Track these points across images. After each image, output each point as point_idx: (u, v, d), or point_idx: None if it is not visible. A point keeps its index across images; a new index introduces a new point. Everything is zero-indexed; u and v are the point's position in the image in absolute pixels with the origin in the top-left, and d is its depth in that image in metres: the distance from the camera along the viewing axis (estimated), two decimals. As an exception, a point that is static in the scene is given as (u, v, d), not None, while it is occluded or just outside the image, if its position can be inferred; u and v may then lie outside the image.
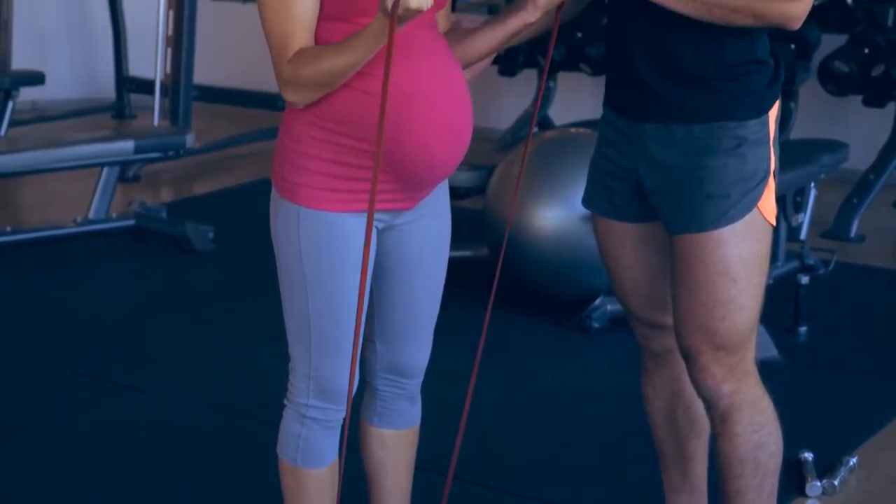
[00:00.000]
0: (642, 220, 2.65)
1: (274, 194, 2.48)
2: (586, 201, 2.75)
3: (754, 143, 2.51)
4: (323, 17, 2.35)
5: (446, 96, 2.40)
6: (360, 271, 2.26)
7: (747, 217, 2.51)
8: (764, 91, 2.53)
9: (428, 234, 2.55)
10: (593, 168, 2.72)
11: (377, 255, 2.51)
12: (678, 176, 2.53)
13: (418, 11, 2.13)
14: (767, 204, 2.55)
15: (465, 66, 2.53)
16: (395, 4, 2.12)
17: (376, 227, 2.46)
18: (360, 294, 2.26)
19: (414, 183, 2.44)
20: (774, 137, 2.58)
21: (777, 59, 2.57)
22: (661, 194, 2.56)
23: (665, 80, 2.49)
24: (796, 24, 2.42)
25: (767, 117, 2.54)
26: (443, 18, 2.53)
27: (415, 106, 2.36)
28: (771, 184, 2.56)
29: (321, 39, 2.36)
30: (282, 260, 2.48)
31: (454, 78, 2.44)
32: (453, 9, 6.40)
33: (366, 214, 2.41)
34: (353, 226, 2.41)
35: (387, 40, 2.16)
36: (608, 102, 2.66)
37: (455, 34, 2.56)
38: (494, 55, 2.62)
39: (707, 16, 2.41)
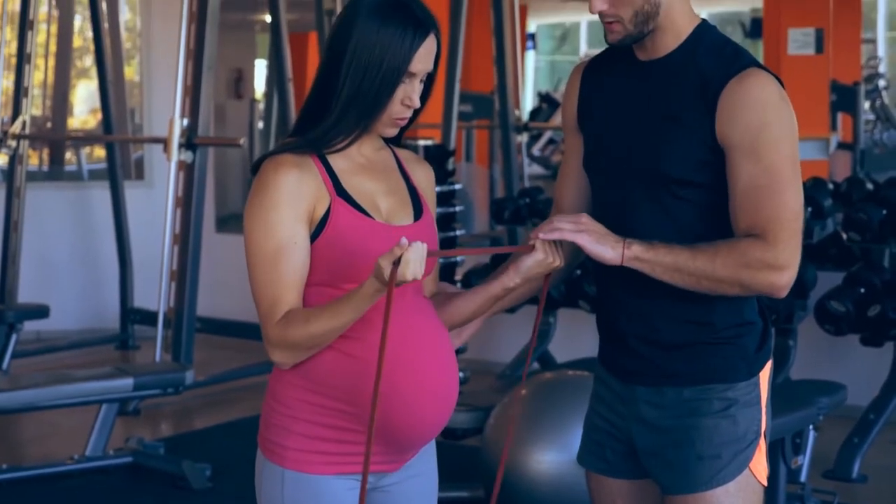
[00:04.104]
0: (634, 476, 2.64)
1: (259, 456, 2.47)
2: (581, 458, 2.75)
3: (745, 405, 2.52)
4: (310, 282, 2.38)
5: (431, 361, 2.40)
6: None
7: (739, 478, 2.51)
8: (754, 354, 2.54)
9: (415, 495, 2.51)
10: (587, 425, 2.73)
11: None
12: (669, 437, 2.53)
13: (413, 280, 2.18)
14: (759, 465, 2.54)
15: (451, 328, 2.54)
16: (393, 273, 2.16)
17: (361, 490, 2.44)
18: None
19: (399, 446, 2.43)
20: (767, 398, 2.58)
21: (766, 318, 2.59)
22: (652, 455, 2.56)
23: (652, 347, 2.52)
24: (783, 294, 2.42)
25: (758, 378, 2.55)
26: (429, 283, 2.56)
27: (400, 370, 2.36)
28: (762, 445, 2.55)
29: (308, 304, 2.38)
30: None
31: (440, 342, 2.44)
32: (455, 244, 6.52)
33: (352, 477, 2.40)
34: (339, 489, 2.39)
35: (374, 303, 2.21)
36: (602, 361, 2.67)
37: (440, 297, 2.58)
38: (482, 320, 2.63)
39: (696, 286, 2.41)
